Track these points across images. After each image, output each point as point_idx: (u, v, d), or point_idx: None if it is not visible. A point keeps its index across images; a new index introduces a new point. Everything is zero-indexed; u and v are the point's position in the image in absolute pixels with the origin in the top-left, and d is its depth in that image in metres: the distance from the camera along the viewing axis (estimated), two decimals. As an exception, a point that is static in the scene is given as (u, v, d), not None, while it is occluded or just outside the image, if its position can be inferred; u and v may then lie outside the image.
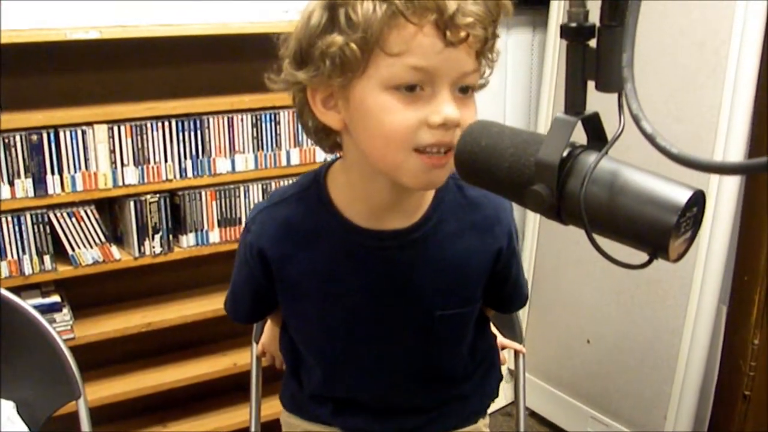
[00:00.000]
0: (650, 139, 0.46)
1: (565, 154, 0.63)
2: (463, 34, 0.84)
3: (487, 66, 0.92)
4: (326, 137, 0.98)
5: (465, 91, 0.89)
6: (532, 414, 2.56)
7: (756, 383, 2.10)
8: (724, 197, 1.93)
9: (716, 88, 1.89)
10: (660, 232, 0.59)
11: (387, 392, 1.15)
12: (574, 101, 0.63)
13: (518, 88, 2.65)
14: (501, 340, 1.40)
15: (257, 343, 1.49)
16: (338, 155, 1.03)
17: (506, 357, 1.41)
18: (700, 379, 2.08)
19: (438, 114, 0.85)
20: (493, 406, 2.59)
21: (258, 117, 2.04)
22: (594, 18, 0.61)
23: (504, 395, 2.60)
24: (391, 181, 0.94)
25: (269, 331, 1.41)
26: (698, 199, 0.61)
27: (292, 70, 0.91)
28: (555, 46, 2.39)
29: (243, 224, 2.05)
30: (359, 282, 1.04)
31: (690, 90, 1.96)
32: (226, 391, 2.23)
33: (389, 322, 1.06)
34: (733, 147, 1.88)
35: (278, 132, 2.07)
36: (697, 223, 0.62)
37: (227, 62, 2.09)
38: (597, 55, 0.60)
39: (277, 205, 1.06)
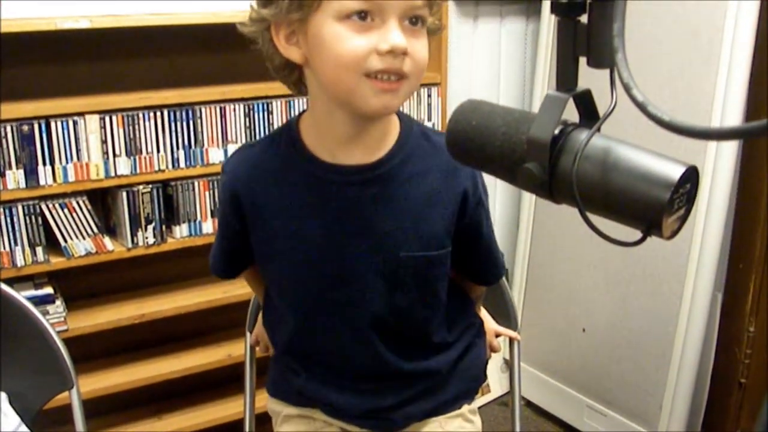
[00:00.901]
0: (641, 107, 0.46)
1: (556, 131, 0.62)
2: None
3: (436, 5, 0.99)
4: (290, 73, 1.06)
5: (415, 23, 0.96)
6: (528, 404, 2.56)
7: (751, 371, 2.11)
8: (718, 184, 1.93)
9: (710, 76, 1.89)
10: (653, 209, 0.59)
11: (357, 345, 1.14)
12: (566, 78, 0.62)
13: (512, 77, 2.64)
14: (495, 327, 1.40)
15: (251, 332, 1.48)
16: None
17: (501, 345, 1.41)
18: (695, 367, 2.08)
19: (386, 42, 0.92)
20: (489, 396, 2.61)
21: (250, 107, 2.03)
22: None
23: (500, 385, 2.61)
24: (350, 112, 1.00)
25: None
26: (691, 175, 0.60)
27: (258, 8, 1.00)
28: (549, 36, 2.39)
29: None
30: (326, 219, 1.07)
31: (684, 78, 1.95)
32: (221, 382, 2.22)
33: (356, 261, 1.08)
34: (728, 134, 1.88)
35: (271, 121, 2.06)
36: (690, 199, 0.62)
37: (219, 52, 2.08)
38: (588, 31, 0.59)
39: (250, 147, 1.14)
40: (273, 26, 0.99)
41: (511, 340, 1.48)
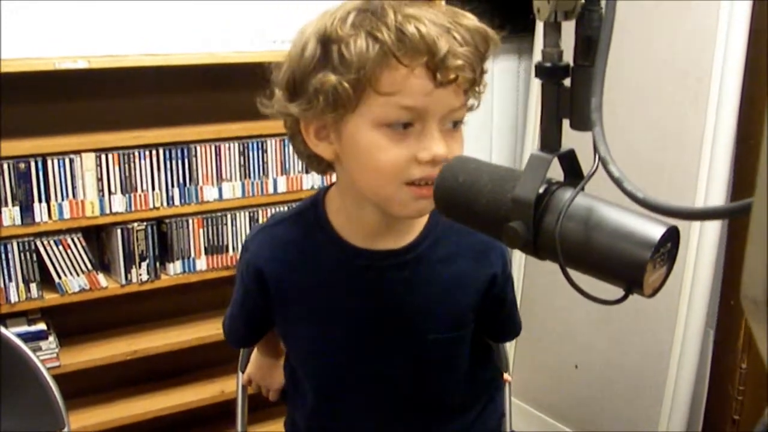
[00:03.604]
0: (617, 182, 0.47)
1: (541, 190, 0.63)
2: (452, 75, 0.86)
3: (474, 99, 0.94)
4: (318, 163, 1.00)
5: (454, 125, 0.92)
6: (522, 440, 2.55)
7: (745, 407, 2.11)
8: (709, 222, 1.95)
9: (699, 117, 1.91)
10: (634, 268, 0.60)
11: (380, 422, 1.13)
12: (550, 139, 0.64)
13: (505, 114, 2.67)
14: (487, 369, 1.39)
15: (243, 372, 1.48)
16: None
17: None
18: (688, 404, 2.08)
19: (427, 151, 0.88)
20: (482, 433, 2.59)
21: (245, 145, 2.05)
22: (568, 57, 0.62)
23: (493, 421, 2.60)
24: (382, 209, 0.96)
25: (255, 360, 1.40)
26: (672, 235, 0.62)
27: (285, 101, 0.93)
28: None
29: (230, 251, 2.06)
30: (353, 302, 1.05)
31: (673, 119, 1.98)
32: (214, 418, 2.22)
33: (382, 343, 1.06)
34: (717, 174, 1.90)
35: (265, 160, 2.08)
36: (671, 258, 0.63)
37: (214, 91, 2.10)
38: (571, 95, 0.61)
39: (275, 225, 1.09)
40: (302, 120, 0.94)
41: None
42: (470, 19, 0.90)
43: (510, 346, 2.50)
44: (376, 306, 1.04)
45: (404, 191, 0.90)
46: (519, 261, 2.50)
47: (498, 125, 2.67)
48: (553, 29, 0.63)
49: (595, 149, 0.60)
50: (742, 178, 1.95)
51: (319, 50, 0.88)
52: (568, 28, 0.62)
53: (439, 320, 1.06)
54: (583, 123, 0.61)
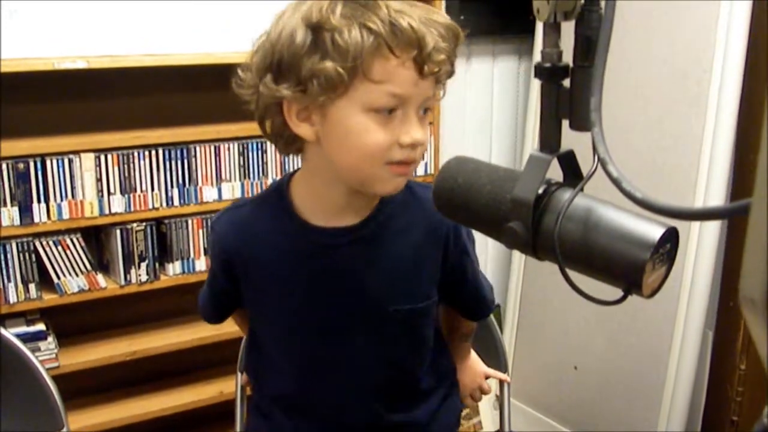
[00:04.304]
0: (616, 183, 0.47)
1: (540, 191, 0.63)
2: (436, 68, 0.95)
3: (441, 89, 1.04)
4: (291, 144, 1.04)
5: (425, 112, 1.00)
6: (521, 441, 2.55)
7: (743, 408, 2.11)
8: (709, 223, 1.95)
9: (699, 117, 1.92)
10: (633, 269, 0.60)
11: (349, 398, 1.15)
12: (549, 140, 0.64)
13: (504, 115, 2.67)
14: (485, 369, 1.40)
15: (242, 372, 1.49)
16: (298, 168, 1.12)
17: (491, 386, 1.41)
18: (687, 405, 2.08)
19: (409, 135, 0.96)
20: (481, 434, 2.59)
21: (245, 146, 2.05)
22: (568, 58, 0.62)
23: (492, 421, 2.60)
24: (349, 186, 1.03)
25: (254, 361, 1.41)
26: (671, 236, 0.61)
27: (271, 83, 0.96)
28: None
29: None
30: (315, 279, 1.10)
31: (673, 119, 1.98)
32: (213, 419, 2.21)
33: (348, 318, 1.11)
34: (717, 175, 1.90)
35: (265, 161, 2.08)
36: (670, 258, 0.63)
37: (214, 91, 2.09)
38: (570, 95, 0.61)
39: (240, 207, 1.15)
40: (286, 102, 0.97)
41: (501, 382, 1.48)
42: (443, 17, 0.98)
43: (508, 347, 2.51)
44: (337, 281, 1.09)
45: (385, 169, 0.97)
46: (518, 262, 2.50)
47: (498, 126, 2.67)
48: (553, 29, 0.63)
49: (594, 149, 0.60)
50: (741, 179, 1.95)
51: (310, 37, 0.93)
52: (568, 29, 0.62)
53: (397, 292, 1.11)
54: (582, 123, 0.61)
